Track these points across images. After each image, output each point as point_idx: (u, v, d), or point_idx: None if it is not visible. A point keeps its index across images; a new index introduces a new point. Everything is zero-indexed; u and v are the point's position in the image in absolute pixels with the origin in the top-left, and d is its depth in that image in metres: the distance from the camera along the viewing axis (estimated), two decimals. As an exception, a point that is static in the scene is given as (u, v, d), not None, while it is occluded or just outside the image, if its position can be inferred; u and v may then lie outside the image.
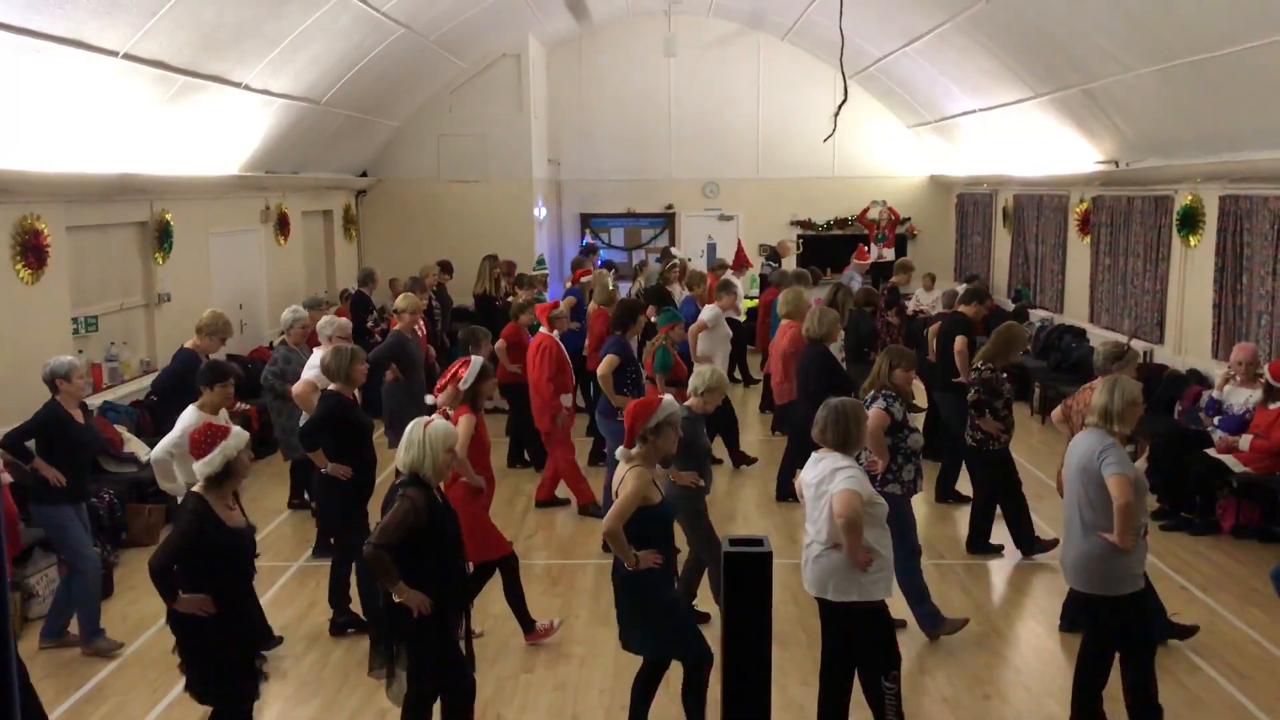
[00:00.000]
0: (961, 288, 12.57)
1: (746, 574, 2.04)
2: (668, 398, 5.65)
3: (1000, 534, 8.79)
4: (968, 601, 7.88)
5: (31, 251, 8.93)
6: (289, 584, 8.28)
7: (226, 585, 5.03)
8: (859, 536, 5.23)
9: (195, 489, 5.12)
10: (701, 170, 20.03)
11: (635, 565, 5.23)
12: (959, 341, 9.84)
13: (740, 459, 11.32)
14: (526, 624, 7.09)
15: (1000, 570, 8.49)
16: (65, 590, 7.09)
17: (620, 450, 5.55)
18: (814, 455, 5.58)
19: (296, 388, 8.44)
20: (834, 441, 5.45)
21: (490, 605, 7.41)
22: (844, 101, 14.34)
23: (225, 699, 5.13)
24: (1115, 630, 5.65)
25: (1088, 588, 5.63)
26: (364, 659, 6.75)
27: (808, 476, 5.52)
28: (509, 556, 7.02)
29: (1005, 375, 8.47)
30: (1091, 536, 5.51)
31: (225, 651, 5.05)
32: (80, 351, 9.84)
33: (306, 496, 9.64)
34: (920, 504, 8.94)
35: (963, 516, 9.67)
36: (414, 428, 5.23)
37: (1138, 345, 12.46)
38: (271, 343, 10.46)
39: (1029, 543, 8.60)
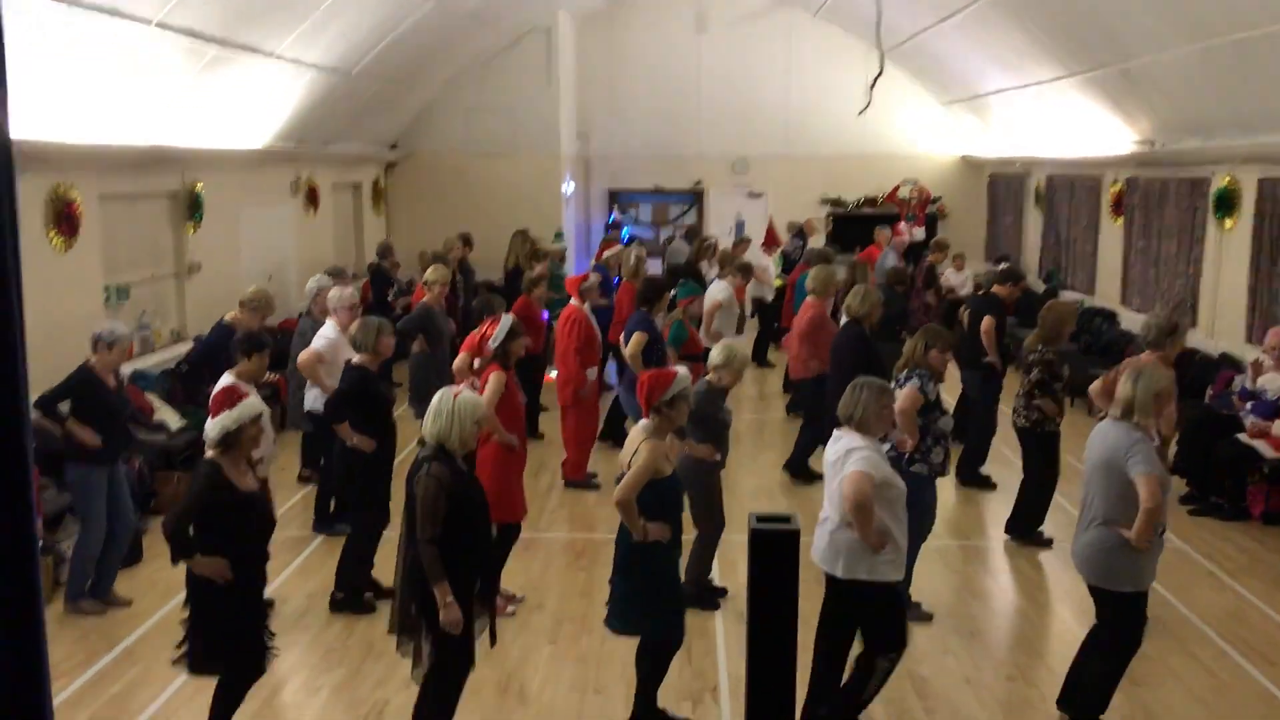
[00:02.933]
0: (1000, 268, 12.46)
1: (774, 552, 2.01)
2: (682, 370, 5.68)
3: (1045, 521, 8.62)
4: (992, 584, 7.85)
5: (64, 220, 8.99)
6: (313, 555, 8.34)
7: (241, 551, 5.06)
8: (869, 518, 5.19)
9: (208, 453, 5.17)
10: (731, 147, 19.90)
11: (644, 536, 5.27)
12: (987, 321, 9.74)
13: None
14: None
15: (1024, 553, 8.42)
16: (102, 551, 7.25)
17: (641, 423, 5.58)
18: (835, 433, 5.57)
19: (302, 357, 8.44)
20: (852, 421, 5.42)
21: (515, 576, 7.44)
22: (880, 73, 14.16)
23: (233, 669, 5.14)
24: (1107, 622, 5.59)
25: (1091, 577, 5.56)
26: (386, 631, 6.82)
27: (828, 454, 5.52)
28: (515, 525, 7.09)
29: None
30: (1103, 528, 5.41)
31: (237, 620, 5.07)
32: (112, 319, 9.92)
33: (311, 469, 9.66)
34: (944, 485, 8.89)
35: (986, 498, 9.64)
36: (442, 397, 5.18)
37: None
38: (299, 314, 10.47)
39: (1028, 531, 8.51)
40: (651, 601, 5.42)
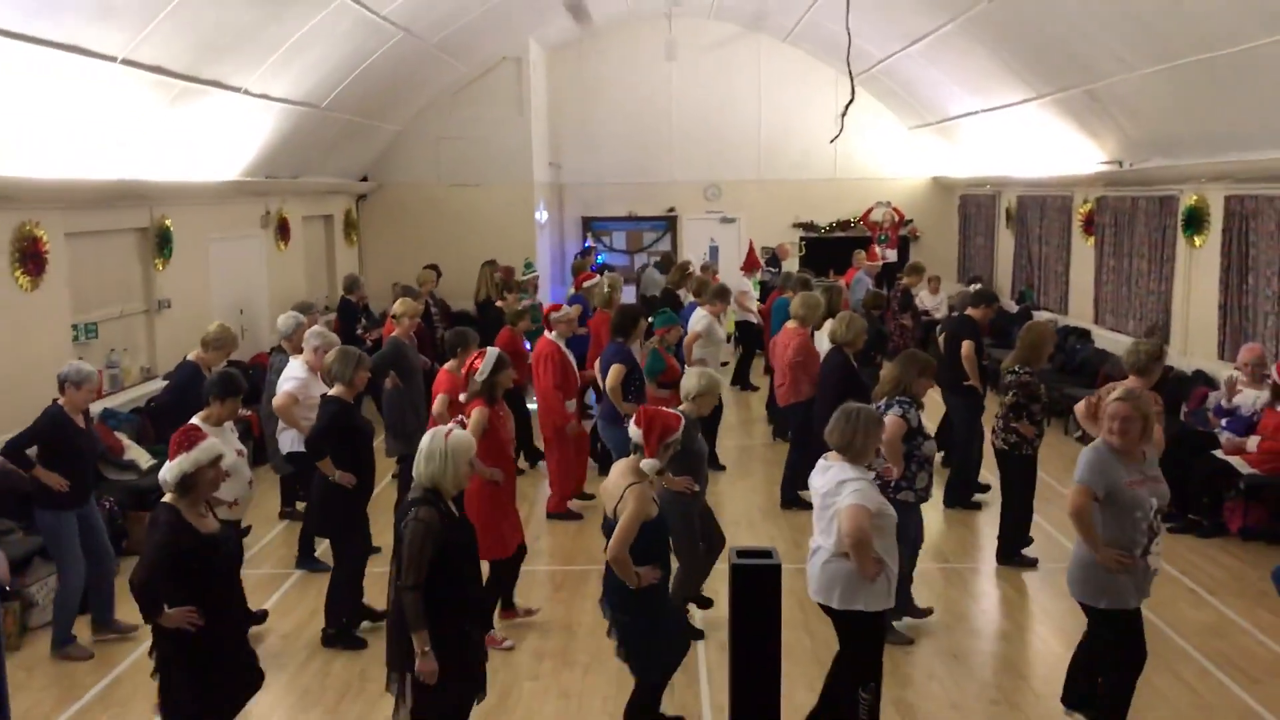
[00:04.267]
0: (972, 290, 12.46)
1: (755, 586, 1.98)
2: (686, 413, 5.81)
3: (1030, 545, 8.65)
4: (975, 607, 7.81)
5: (30, 259, 8.88)
6: (290, 592, 8.22)
7: (209, 594, 4.93)
8: (869, 552, 5.15)
9: (165, 498, 5.02)
10: (703, 173, 20.00)
11: (638, 584, 5.23)
12: (967, 346, 9.71)
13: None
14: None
15: (1008, 576, 8.39)
16: (93, 585, 7.19)
17: (622, 463, 5.56)
18: (822, 461, 5.52)
19: (277, 402, 8.37)
20: (846, 449, 5.37)
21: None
22: (851, 100, 14.23)
23: (211, 713, 5.02)
24: (1100, 638, 5.64)
25: (1073, 592, 5.62)
26: (365, 669, 6.72)
27: (815, 483, 5.47)
28: (509, 560, 7.03)
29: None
30: (1081, 544, 5.52)
31: (210, 665, 4.94)
32: (80, 358, 9.78)
33: (298, 506, 9.56)
34: (928, 509, 8.87)
35: (972, 520, 9.62)
36: (434, 437, 5.03)
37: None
38: (271, 349, 10.31)
39: (1013, 553, 8.51)
40: (652, 639, 5.39)
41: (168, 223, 11.34)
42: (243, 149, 12.26)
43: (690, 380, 6.98)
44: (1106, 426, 5.45)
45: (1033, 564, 8.47)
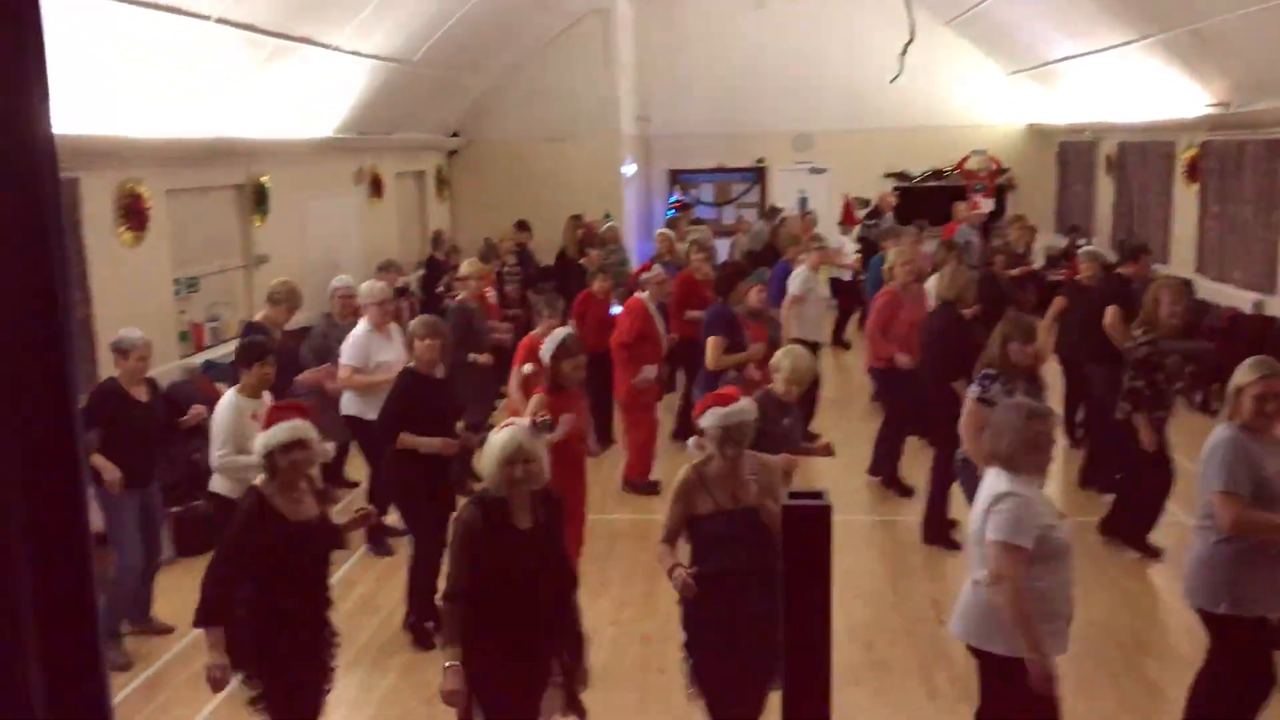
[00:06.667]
0: (1063, 242, 11.90)
1: (806, 528, 1.99)
2: (744, 402, 4.79)
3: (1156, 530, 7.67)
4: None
5: (133, 215, 9.18)
6: (350, 572, 7.83)
7: (289, 593, 4.54)
8: (1017, 601, 4.09)
9: (255, 481, 4.68)
10: (793, 122, 19.70)
11: (675, 583, 4.59)
12: (1110, 313, 8.40)
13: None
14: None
15: (1123, 561, 7.52)
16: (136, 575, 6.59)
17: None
18: (989, 471, 4.45)
19: (340, 374, 7.87)
20: (1001, 457, 4.29)
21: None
22: (910, 40, 13.78)
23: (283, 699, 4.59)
24: (1215, 653, 4.73)
25: (1185, 592, 4.83)
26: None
27: (979, 494, 4.44)
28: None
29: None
30: (1199, 532, 4.71)
31: (291, 658, 4.56)
32: (183, 312, 10.14)
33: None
34: (1062, 491, 8.61)
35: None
36: (494, 431, 4.47)
37: (1249, 296, 12.00)
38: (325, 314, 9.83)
39: (1132, 536, 7.63)
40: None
41: (264, 180, 11.62)
42: (336, 106, 12.48)
43: (778, 359, 6.29)
44: (1246, 407, 4.55)
45: (1156, 554, 7.54)
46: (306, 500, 4.67)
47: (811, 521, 2.27)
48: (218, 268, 11.07)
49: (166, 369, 9.14)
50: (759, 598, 4.33)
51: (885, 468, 9.27)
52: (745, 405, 4.68)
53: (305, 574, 4.62)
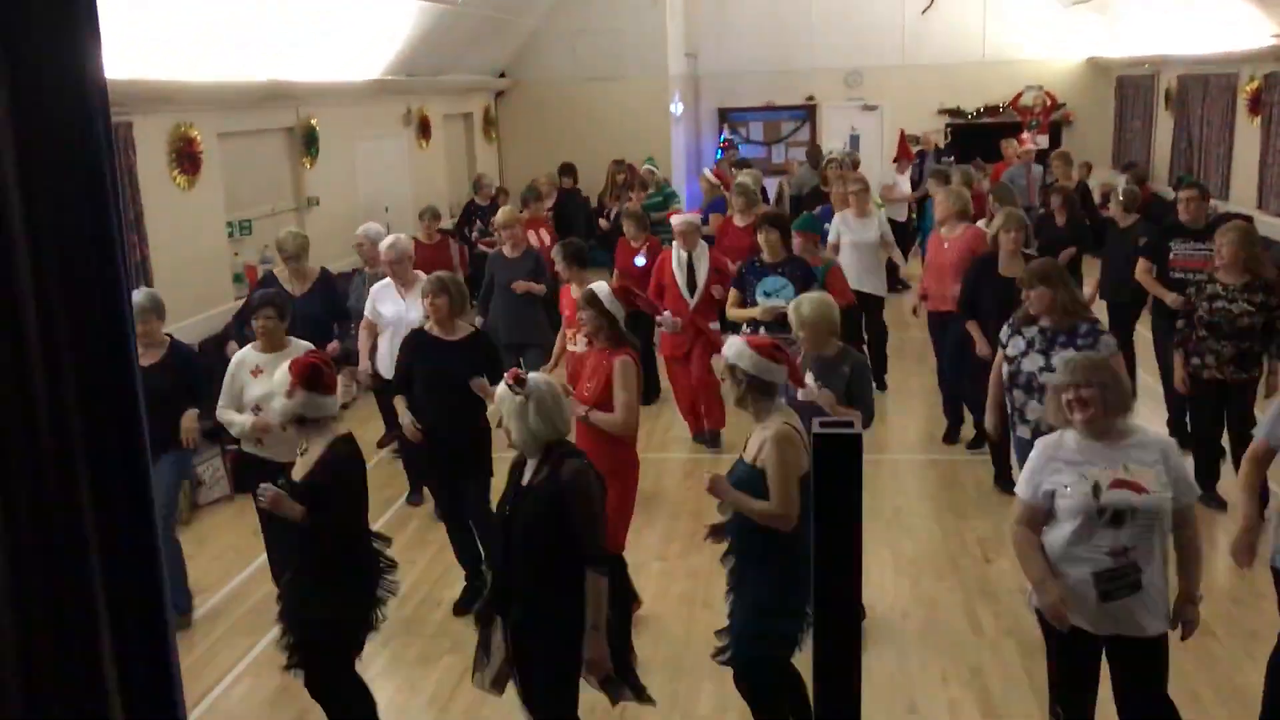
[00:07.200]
0: (1121, 180, 11.38)
1: (837, 453, 2.02)
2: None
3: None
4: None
5: (186, 159, 9.31)
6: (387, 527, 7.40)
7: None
8: (1023, 560, 4.06)
9: (342, 433, 4.68)
10: (843, 59, 19.37)
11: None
12: (1143, 264, 8.08)
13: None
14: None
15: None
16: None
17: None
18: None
19: (361, 334, 7.82)
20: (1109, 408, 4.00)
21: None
22: None
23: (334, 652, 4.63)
24: None
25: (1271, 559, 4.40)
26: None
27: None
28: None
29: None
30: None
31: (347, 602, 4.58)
32: (236, 254, 10.30)
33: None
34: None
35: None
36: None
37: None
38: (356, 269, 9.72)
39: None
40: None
41: (314, 122, 11.69)
42: (384, 47, 12.50)
43: (794, 309, 5.63)
44: None
45: (1221, 505, 7.13)
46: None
47: (842, 446, 2.31)
48: (270, 210, 11.20)
49: (221, 310, 9.31)
50: None
51: (951, 413, 8.91)
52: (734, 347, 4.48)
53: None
